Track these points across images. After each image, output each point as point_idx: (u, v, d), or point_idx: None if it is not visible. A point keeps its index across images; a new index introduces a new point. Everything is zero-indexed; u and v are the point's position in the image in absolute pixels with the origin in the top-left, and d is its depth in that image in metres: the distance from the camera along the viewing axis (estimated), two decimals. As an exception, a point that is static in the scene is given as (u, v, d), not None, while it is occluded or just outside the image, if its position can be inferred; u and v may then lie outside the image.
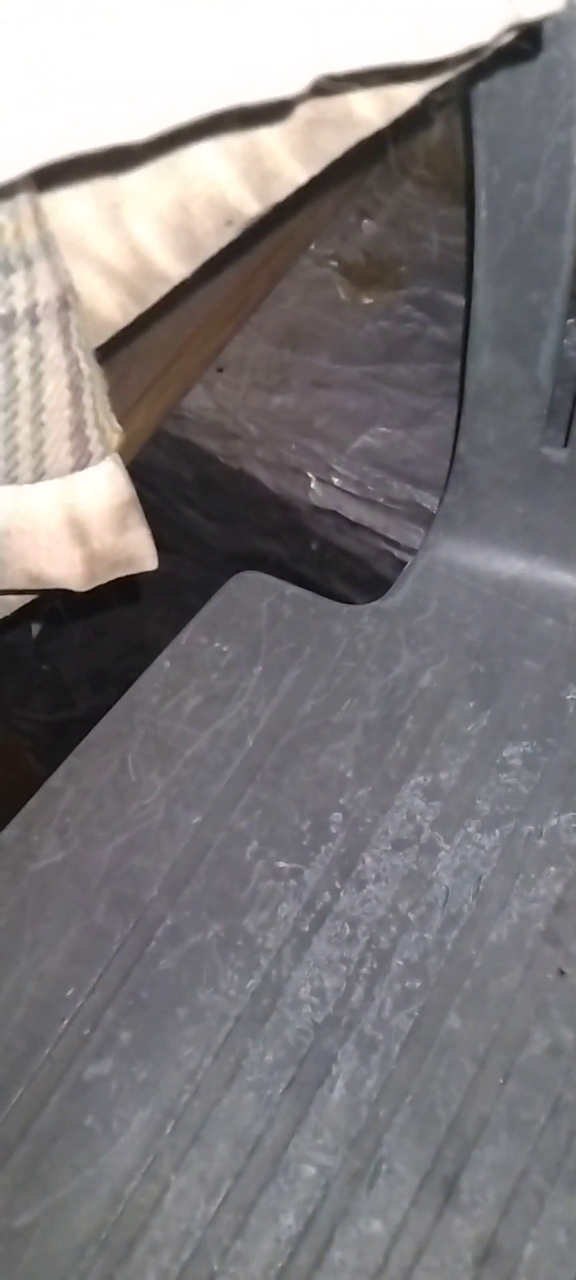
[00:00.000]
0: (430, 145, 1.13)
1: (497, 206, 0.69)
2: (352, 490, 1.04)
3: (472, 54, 0.42)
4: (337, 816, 0.75)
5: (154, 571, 0.67)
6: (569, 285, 0.71)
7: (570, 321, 0.75)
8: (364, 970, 0.70)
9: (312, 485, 1.05)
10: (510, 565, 0.85)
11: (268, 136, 0.46)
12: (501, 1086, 0.66)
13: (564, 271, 0.71)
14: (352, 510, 1.04)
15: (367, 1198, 0.63)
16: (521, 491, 0.82)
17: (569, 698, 0.80)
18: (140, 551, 0.62)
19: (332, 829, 0.75)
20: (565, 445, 0.79)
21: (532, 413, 0.78)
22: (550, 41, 0.62)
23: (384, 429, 1.05)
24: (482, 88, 0.65)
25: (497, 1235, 0.62)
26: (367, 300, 1.10)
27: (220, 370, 1.08)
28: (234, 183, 0.48)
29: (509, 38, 0.42)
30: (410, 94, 0.45)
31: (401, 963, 0.70)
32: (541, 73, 0.64)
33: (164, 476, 1.12)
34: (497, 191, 0.69)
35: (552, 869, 0.72)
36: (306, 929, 0.71)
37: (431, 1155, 0.64)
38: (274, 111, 0.44)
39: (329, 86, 0.43)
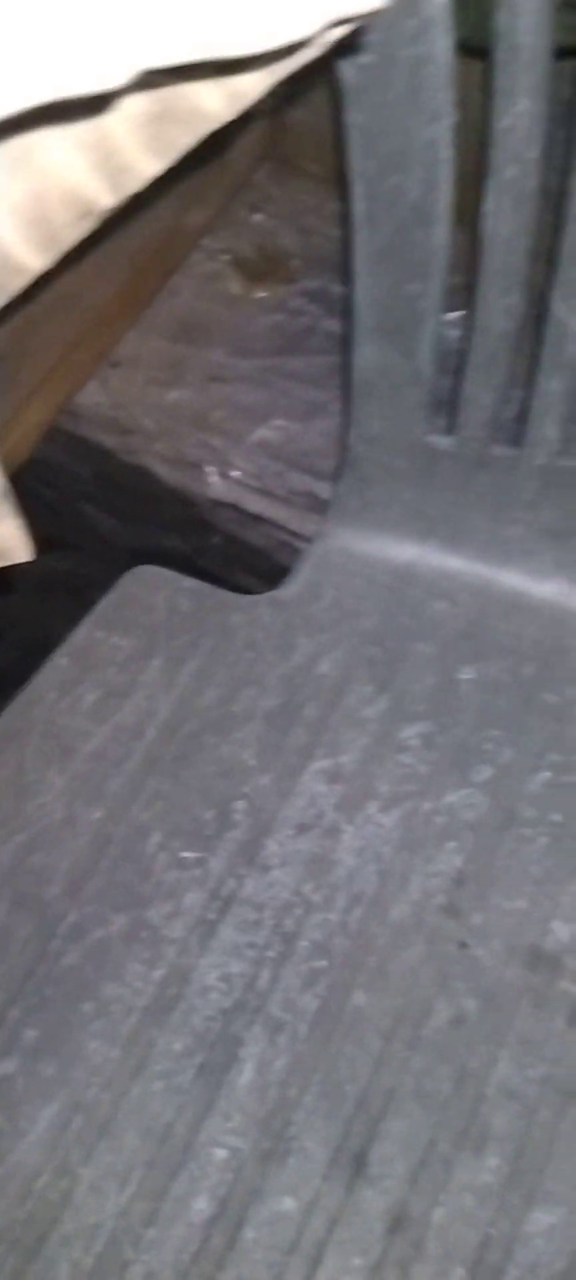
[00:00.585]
0: (319, 139, 1.14)
1: (373, 200, 0.70)
2: (252, 483, 1.05)
3: (301, 48, 0.43)
4: (240, 804, 0.76)
5: (56, 569, 0.66)
6: (444, 277, 0.72)
7: (450, 316, 0.76)
8: (270, 954, 0.71)
9: (212, 479, 1.06)
10: (402, 551, 0.86)
11: (118, 130, 0.46)
12: (407, 1059, 0.67)
13: (439, 263, 0.72)
14: (253, 503, 1.05)
15: (279, 1176, 0.64)
16: (410, 479, 0.83)
17: (462, 678, 0.81)
18: (12, 543, 0.61)
19: (236, 817, 0.76)
20: (450, 433, 0.80)
21: (416, 402, 0.79)
22: (415, 38, 0.63)
23: (280, 421, 1.05)
24: (352, 83, 0.65)
25: (407, 1204, 0.63)
26: (261, 294, 1.11)
27: (115, 366, 1.08)
28: (88, 176, 0.48)
29: (336, 33, 0.43)
30: (253, 88, 0.46)
31: (307, 944, 0.71)
32: (408, 69, 0.64)
33: (62, 474, 1.11)
34: (372, 185, 0.70)
35: (451, 844, 0.74)
36: (212, 917, 0.72)
37: (340, 1131, 0.65)
38: (101, 103, 0.44)
39: (164, 80, 0.44)
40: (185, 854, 0.75)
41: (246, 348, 1.08)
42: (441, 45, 0.63)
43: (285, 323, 1.09)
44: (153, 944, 0.71)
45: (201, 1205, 0.63)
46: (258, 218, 1.17)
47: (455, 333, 0.75)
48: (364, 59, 0.64)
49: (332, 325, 1.07)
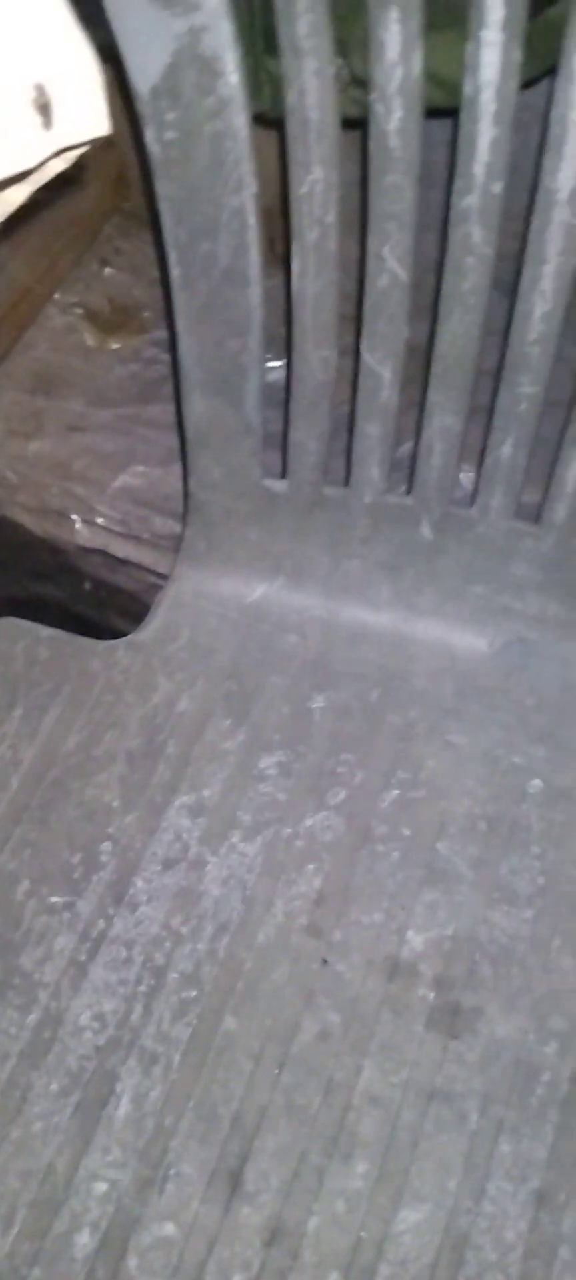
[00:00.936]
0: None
1: (187, 265, 0.73)
2: (118, 529, 1.06)
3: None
4: (107, 846, 0.77)
5: None
6: (262, 333, 0.75)
7: (275, 364, 0.79)
8: (141, 989, 0.72)
9: (78, 526, 1.07)
10: (251, 589, 0.88)
11: None
12: (277, 1077, 0.69)
13: (255, 321, 0.75)
14: (120, 548, 1.06)
15: (158, 1203, 0.65)
16: (252, 521, 0.86)
17: (314, 706, 0.84)
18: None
19: (103, 858, 0.77)
20: (284, 477, 0.83)
21: (249, 450, 0.82)
22: (214, 116, 0.66)
23: (142, 468, 1.06)
24: (160, 156, 0.68)
25: (282, 1216, 0.65)
26: (115, 345, 1.12)
27: (-27, 420, 1.08)
28: None
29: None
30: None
31: (177, 975, 0.73)
32: (210, 143, 0.68)
33: None
34: (185, 251, 0.73)
35: (311, 866, 0.76)
36: (83, 958, 0.73)
37: (216, 1153, 0.67)
38: None
39: None
40: (54, 899, 0.75)
41: (103, 398, 1.09)
42: (239, 121, 0.67)
43: (140, 372, 1.10)
44: (26, 989, 0.72)
45: (84, 1240, 0.64)
46: (108, 271, 1.18)
47: (281, 378, 0.79)
48: (168, 135, 0.67)
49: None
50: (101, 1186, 0.66)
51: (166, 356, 1.10)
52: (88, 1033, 0.71)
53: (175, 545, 1.02)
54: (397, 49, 0.62)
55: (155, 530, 1.04)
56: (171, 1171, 0.66)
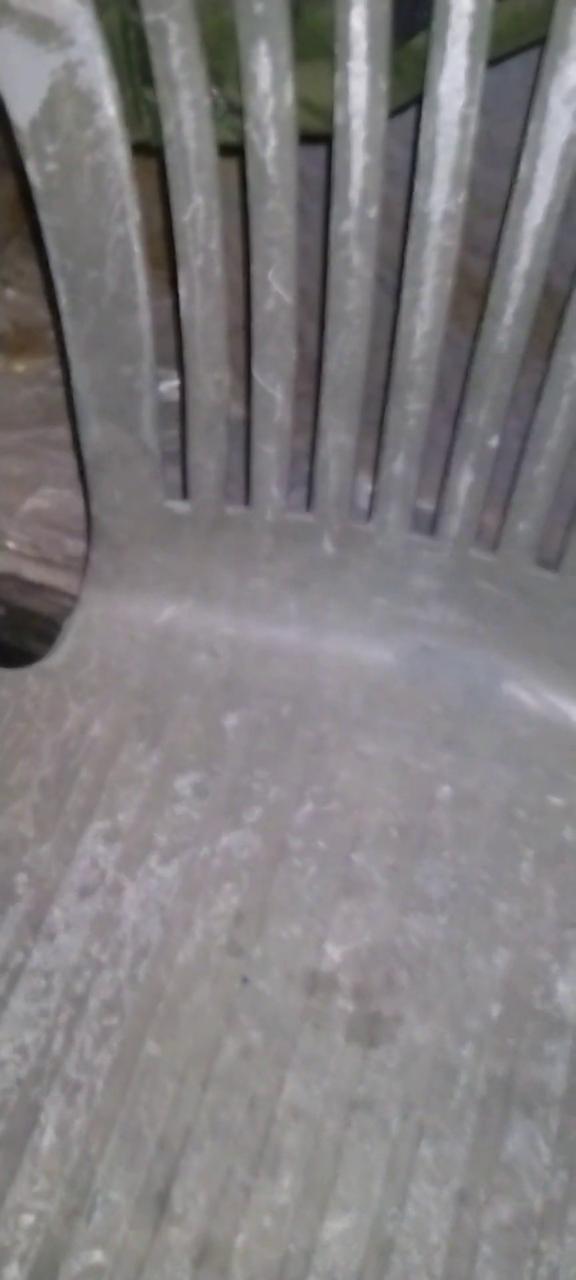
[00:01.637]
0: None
1: (75, 293, 0.74)
2: (29, 552, 1.06)
3: None
4: (23, 877, 0.77)
5: None
6: (153, 357, 0.76)
7: (166, 386, 0.80)
8: (62, 1018, 0.72)
9: None
10: (160, 611, 0.89)
11: None
12: (201, 1096, 0.70)
13: (146, 345, 0.76)
14: (32, 572, 1.06)
15: (87, 1230, 0.65)
16: (157, 543, 0.87)
17: (227, 724, 0.85)
18: None
19: (19, 890, 0.77)
20: (186, 498, 0.84)
21: (148, 472, 0.83)
22: (94, 147, 0.67)
23: (51, 490, 1.07)
24: (42, 188, 0.69)
25: (210, 1234, 0.65)
26: (20, 368, 1.12)
27: None
28: None
29: None
30: None
31: (97, 1003, 0.73)
32: (92, 175, 0.69)
33: None
34: (73, 280, 0.74)
35: (229, 885, 0.77)
36: (2, 991, 0.73)
37: (143, 1176, 0.67)
38: None
39: None
40: None
41: (10, 421, 1.10)
42: (119, 152, 0.68)
43: (46, 393, 1.10)
44: None
45: (13, 1273, 0.64)
46: (10, 293, 1.18)
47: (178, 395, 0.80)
48: (49, 167, 0.68)
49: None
50: (28, 1218, 0.66)
51: None
52: (9, 1065, 0.71)
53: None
54: (269, 80, 0.64)
55: (67, 552, 1.05)
56: (99, 1198, 0.67)
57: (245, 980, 0.74)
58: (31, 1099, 0.70)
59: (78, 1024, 0.72)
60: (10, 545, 1.06)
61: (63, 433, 1.08)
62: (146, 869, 0.78)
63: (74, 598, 1.04)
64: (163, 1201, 0.66)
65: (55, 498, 1.07)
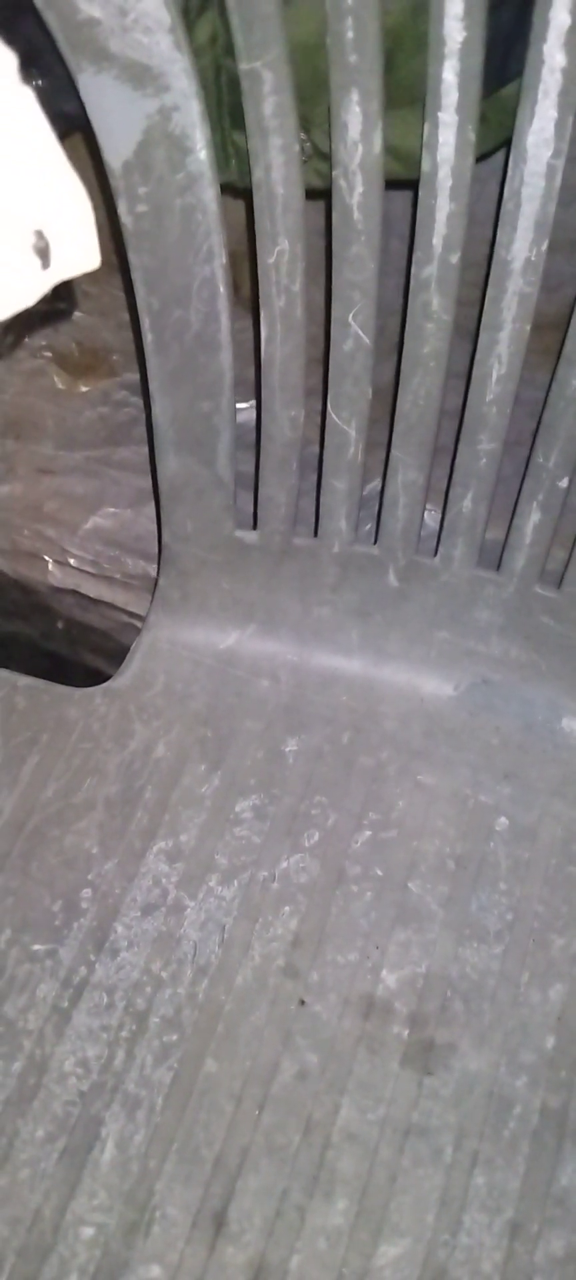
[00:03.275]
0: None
1: (160, 330, 0.75)
2: (89, 569, 1.06)
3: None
4: (87, 893, 0.78)
5: None
6: (232, 395, 0.77)
7: (244, 405, 0.81)
8: (123, 1034, 0.73)
9: (50, 567, 1.07)
10: (225, 636, 0.90)
11: None
12: (258, 1117, 0.70)
13: (226, 383, 0.77)
14: (92, 588, 1.06)
15: (144, 1246, 0.66)
16: (225, 570, 0.88)
17: (287, 750, 0.85)
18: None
19: (83, 905, 0.77)
20: (255, 528, 0.86)
21: (221, 504, 0.84)
22: (184, 190, 0.68)
23: (112, 509, 1.07)
24: (132, 228, 0.70)
25: (266, 1255, 0.66)
26: (84, 388, 1.12)
27: (-55, 463, 1.09)
28: None
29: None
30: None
31: (158, 1020, 0.73)
32: (181, 217, 0.70)
33: None
34: (158, 318, 0.74)
35: (287, 908, 0.77)
36: (65, 1005, 0.74)
37: (200, 1194, 0.67)
38: None
39: None
40: (36, 946, 0.76)
41: (74, 440, 1.09)
42: (209, 195, 0.69)
43: (109, 415, 1.10)
44: (10, 1037, 0.73)
45: None
46: (76, 315, 1.19)
47: (250, 419, 0.81)
48: (140, 208, 0.69)
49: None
50: (88, 1231, 0.66)
51: (136, 399, 1.10)
52: (72, 1079, 0.71)
53: (146, 585, 1.03)
54: (359, 129, 0.64)
55: (127, 570, 1.05)
56: (157, 1214, 0.67)
57: (302, 1003, 0.75)
58: (93, 1113, 0.70)
59: (139, 1040, 0.73)
60: (71, 562, 1.06)
61: (124, 454, 1.08)
62: (207, 889, 0.78)
63: (131, 614, 1.06)
64: (219, 1220, 0.67)
65: (116, 517, 1.07)
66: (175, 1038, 0.73)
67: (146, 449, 1.07)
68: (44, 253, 0.47)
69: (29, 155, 0.47)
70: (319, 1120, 0.70)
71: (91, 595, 1.07)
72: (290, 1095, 0.71)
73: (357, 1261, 0.66)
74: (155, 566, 1.02)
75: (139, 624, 1.03)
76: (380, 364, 0.75)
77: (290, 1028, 0.73)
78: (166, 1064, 0.72)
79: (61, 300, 1.01)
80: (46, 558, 1.07)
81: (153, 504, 1.05)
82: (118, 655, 1.03)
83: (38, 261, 0.48)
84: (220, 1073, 0.72)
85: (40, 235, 0.48)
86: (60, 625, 1.10)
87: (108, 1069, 0.72)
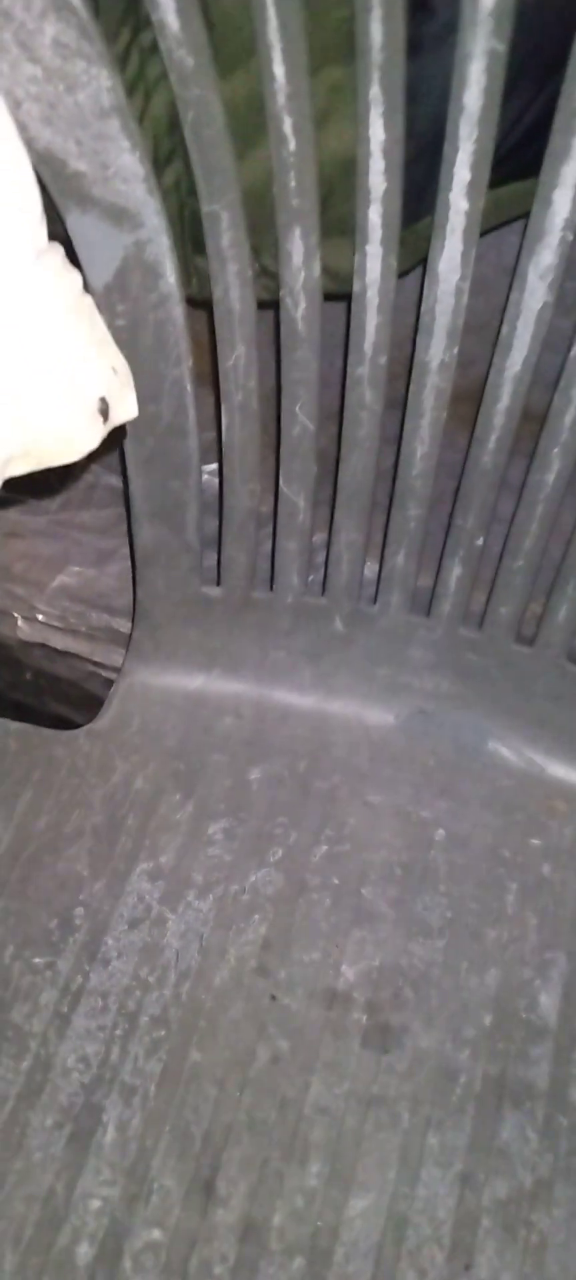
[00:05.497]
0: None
1: (136, 423, 0.77)
2: (56, 624, 1.10)
3: None
4: (80, 910, 0.81)
5: None
6: (199, 475, 0.82)
7: (208, 469, 0.85)
8: (118, 1032, 0.76)
9: (20, 623, 1.11)
10: (193, 679, 0.94)
11: None
12: (239, 1098, 0.73)
13: (193, 465, 0.82)
14: (59, 641, 1.10)
15: (145, 1213, 0.69)
16: (192, 622, 0.92)
17: (251, 778, 0.89)
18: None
19: (77, 921, 0.80)
20: (218, 584, 0.90)
21: (189, 565, 0.88)
22: (156, 307, 0.73)
23: (77, 568, 1.10)
24: (112, 337, 0.72)
25: (251, 1215, 0.69)
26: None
27: None
28: None
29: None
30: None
31: (147, 1019, 0.76)
32: (154, 329, 0.75)
33: None
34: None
35: (257, 916, 0.81)
36: (65, 1009, 0.77)
37: (192, 1166, 0.71)
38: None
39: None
40: (37, 960, 0.79)
41: (39, 506, 1.12)
42: (177, 311, 0.73)
43: (71, 483, 1.12)
44: (18, 1040, 0.75)
45: (84, 1250, 0.68)
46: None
47: (213, 481, 0.85)
48: (119, 322, 0.73)
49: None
50: (96, 1203, 0.69)
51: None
52: (74, 1073, 0.74)
53: (110, 636, 1.08)
54: (301, 257, 0.70)
55: (91, 624, 1.09)
56: (155, 1185, 0.70)
57: (273, 998, 0.78)
58: (94, 1102, 0.73)
59: (131, 1037, 0.75)
60: (39, 618, 1.10)
61: (86, 517, 1.11)
62: (185, 903, 0.81)
63: (95, 663, 1.08)
64: (209, 1188, 0.70)
65: (80, 575, 1.10)
66: (163, 1033, 0.76)
67: (106, 512, 1.09)
68: (105, 412, 0.56)
69: (91, 340, 0.57)
70: (292, 1097, 0.73)
71: (58, 647, 1.11)
72: (266, 1077, 0.74)
73: (330, 1215, 0.69)
74: (118, 619, 1.06)
75: (103, 673, 1.08)
76: (325, 431, 0.80)
77: (264, 1019, 0.77)
78: (156, 1056, 0.75)
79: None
80: (16, 615, 1.11)
81: (114, 562, 1.09)
82: (81, 701, 1.09)
83: (101, 419, 0.57)
84: (204, 1061, 0.75)
85: (103, 401, 0.58)
86: (28, 676, 1.13)
87: (105, 1063, 0.74)
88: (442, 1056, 0.76)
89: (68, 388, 0.57)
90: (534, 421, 0.76)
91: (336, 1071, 0.75)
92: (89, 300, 0.59)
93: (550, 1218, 0.70)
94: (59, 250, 0.60)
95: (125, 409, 0.59)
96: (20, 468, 0.59)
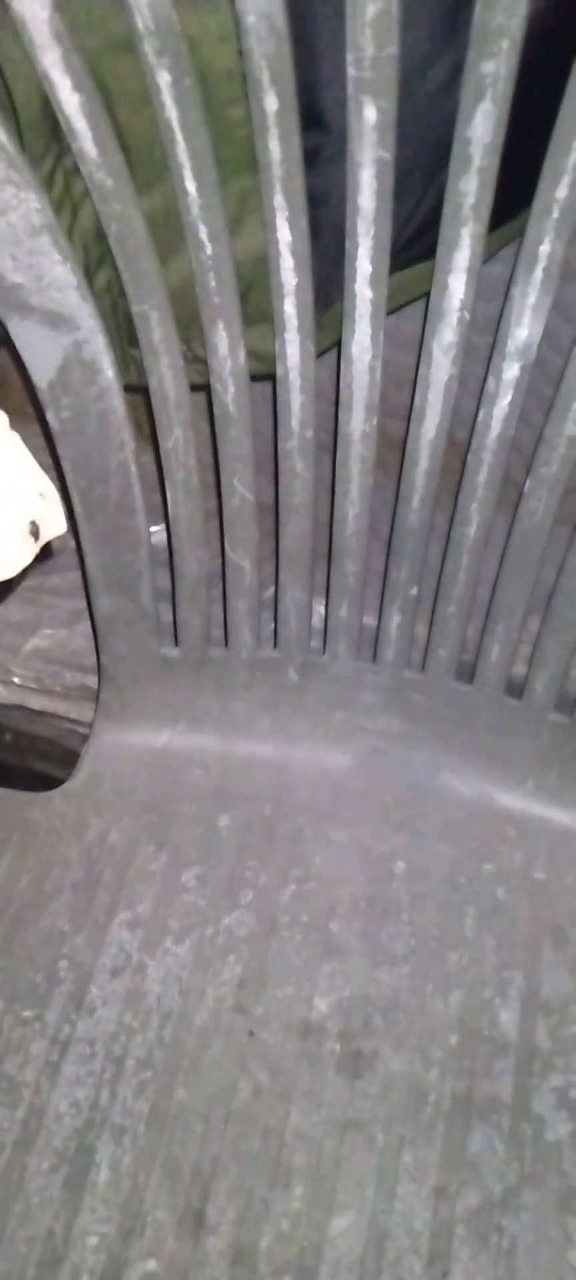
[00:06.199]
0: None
1: (88, 504, 0.83)
2: (32, 685, 1.13)
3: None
4: (64, 963, 0.83)
5: None
6: (149, 547, 0.85)
7: (155, 529, 0.87)
8: (106, 1076, 0.78)
9: None
10: (159, 736, 0.96)
11: None
12: (223, 1130, 0.76)
13: (143, 539, 0.85)
14: (36, 701, 1.13)
15: (140, 1245, 0.72)
16: (154, 681, 0.94)
17: (220, 825, 0.92)
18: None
19: (61, 974, 0.83)
20: (176, 646, 0.92)
21: (147, 630, 0.91)
22: (97, 399, 0.77)
23: (49, 630, 1.13)
24: (59, 429, 0.79)
25: (240, 1241, 0.72)
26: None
27: None
28: None
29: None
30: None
31: (133, 1062, 0.79)
32: (97, 419, 0.78)
33: None
34: (84, 494, 0.83)
35: (232, 957, 0.84)
36: (55, 1058, 0.79)
37: (183, 1198, 0.73)
38: None
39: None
40: (25, 1013, 0.81)
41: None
42: (117, 401, 0.77)
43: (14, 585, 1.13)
44: (11, 1090, 0.78)
45: None
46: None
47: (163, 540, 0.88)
48: (64, 414, 0.77)
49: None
50: (93, 1240, 0.72)
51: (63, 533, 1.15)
52: (67, 1118, 0.76)
53: (84, 694, 1.11)
54: (226, 347, 0.74)
55: (66, 683, 1.12)
56: (148, 1219, 0.72)
57: (251, 1033, 0.80)
58: (87, 1143, 0.75)
59: (119, 1080, 0.78)
60: (16, 680, 1.13)
61: (56, 581, 1.13)
62: (164, 949, 0.84)
63: (72, 720, 1.12)
64: (200, 1218, 0.72)
65: (52, 637, 1.13)
66: (149, 1074, 0.78)
67: (73, 575, 1.11)
68: (36, 533, 0.62)
69: (19, 471, 0.62)
70: (273, 1126, 0.76)
71: (35, 708, 1.13)
72: (248, 1109, 0.77)
73: (314, 1235, 0.72)
74: (91, 677, 1.09)
75: (80, 729, 1.10)
76: (266, 489, 0.83)
77: (243, 1055, 0.79)
78: (144, 1096, 0.77)
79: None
80: None
81: (85, 622, 1.09)
82: (61, 758, 1.12)
83: (32, 539, 0.63)
84: (189, 1098, 0.77)
85: (34, 524, 0.63)
86: (8, 737, 1.16)
87: (96, 1106, 0.77)
88: (412, 1078, 0.79)
89: (3, 514, 0.62)
90: (461, 460, 0.80)
91: (314, 1099, 0.78)
92: (14, 435, 0.64)
93: (519, 1222, 0.73)
94: None
95: (53, 527, 0.64)
96: None
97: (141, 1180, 0.75)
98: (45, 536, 0.63)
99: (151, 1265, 0.71)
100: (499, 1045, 0.80)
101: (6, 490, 0.62)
